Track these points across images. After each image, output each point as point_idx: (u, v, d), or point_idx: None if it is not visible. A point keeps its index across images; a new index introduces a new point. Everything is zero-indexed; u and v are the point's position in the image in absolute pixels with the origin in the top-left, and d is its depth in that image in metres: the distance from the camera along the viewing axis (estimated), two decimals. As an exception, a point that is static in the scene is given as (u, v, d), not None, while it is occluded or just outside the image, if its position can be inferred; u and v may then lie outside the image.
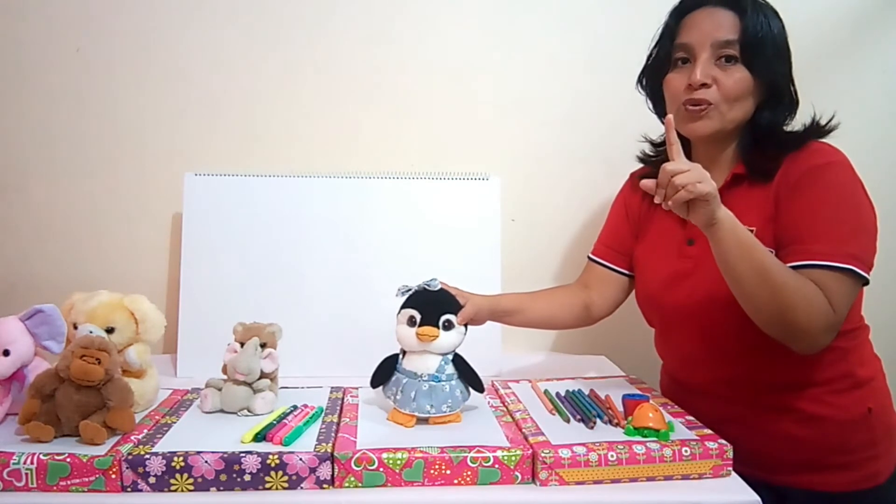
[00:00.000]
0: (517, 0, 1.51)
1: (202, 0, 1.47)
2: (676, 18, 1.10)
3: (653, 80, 1.15)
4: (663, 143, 1.21)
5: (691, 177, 0.89)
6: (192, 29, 1.48)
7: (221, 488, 0.88)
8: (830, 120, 1.06)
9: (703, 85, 1.03)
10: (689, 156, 1.14)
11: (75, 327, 1.06)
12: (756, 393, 1.08)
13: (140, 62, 1.48)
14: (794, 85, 1.08)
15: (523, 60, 1.52)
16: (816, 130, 1.06)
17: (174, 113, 1.50)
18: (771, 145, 1.06)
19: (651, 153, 1.24)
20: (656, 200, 0.93)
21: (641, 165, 1.27)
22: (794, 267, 0.97)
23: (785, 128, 1.08)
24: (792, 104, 1.08)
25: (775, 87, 1.05)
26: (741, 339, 1.05)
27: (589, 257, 1.31)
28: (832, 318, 0.95)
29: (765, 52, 1.03)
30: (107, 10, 1.47)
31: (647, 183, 0.95)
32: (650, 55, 1.15)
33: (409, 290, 1.07)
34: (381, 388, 1.07)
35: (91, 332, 1.02)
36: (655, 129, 1.22)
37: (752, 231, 1.01)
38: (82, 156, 1.50)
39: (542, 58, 1.52)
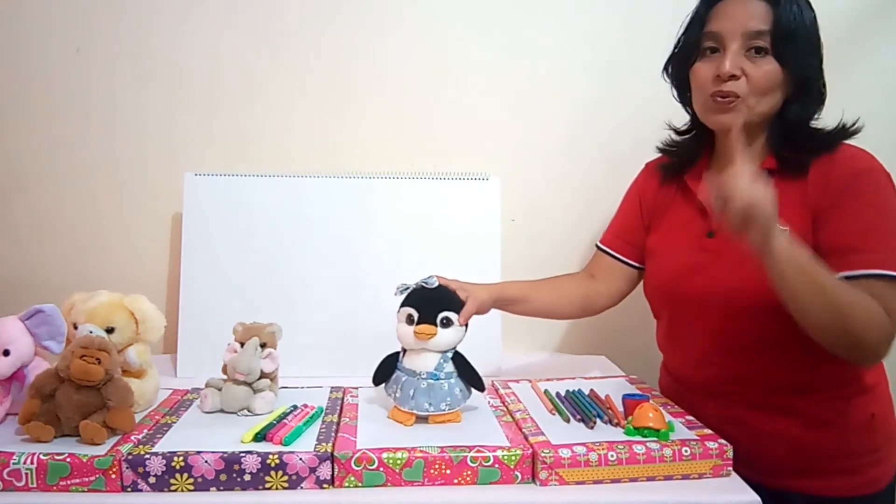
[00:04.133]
0: (517, 0, 1.51)
1: (202, 1, 1.47)
2: (707, 6, 1.07)
3: (679, 68, 1.12)
4: (687, 132, 1.19)
5: (752, 198, 0.85)
6: (191, 29, 1.48)
7: (221, 488, 0.88)
8: (856, 122, 1.04)
9: (732, 77, 1.01)
10: (715, 146, 1.14)
11: (75, 327, 1.06)
12: (762, 394, 1.07)
13: (140, 62, 1.48)
14: (823, 78, 1.05)
15: (524, 60, 1.52)
16: (843, 132, 1.04)
17: (174, 113, 1.50)
18: (801, 139, 1.04)
19: (671, 144, 1.21)
20: (715, 209, 0.89)
21: (658, 156, 1.24)
22: (849, 276, 0.95)
23: (814, 122, 1.06)
24: (820, 98, 1.05)
25: (805, 81, 1.03)
26: (755, 338, 1.04)
27: (597, 246, 1.29)
28: (891, 328, 0.95)
29: (796, 44, 1.00)
30: (107, 10, 1.47)
31: (707, 190, 0.91)
32: (678, 43, 1.12)
33: (407, 288, 1.07)
34: (382, 386, 1.07)
35: (91, 332, 1.02)
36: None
37: (784, 230, 1.00)
38: (82, 156, 1.50)
39: (542, 57, 1.52)
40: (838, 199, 0.99)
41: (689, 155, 1.17)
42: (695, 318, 1.11)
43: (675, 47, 1.13)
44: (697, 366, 1.13)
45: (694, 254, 1.11)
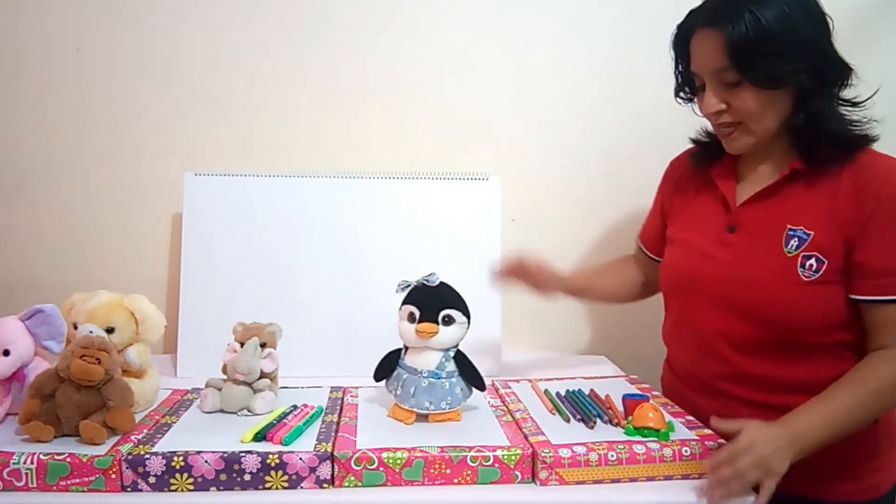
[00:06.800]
0: (518, 0, 1.51)
1: (202, 1, 1.47)
2: (683, 45, 1.07)
3: (687, 94, 1.14)
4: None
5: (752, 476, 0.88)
6: (191, 29, 1.48)
7: (221, 488, 0.88)
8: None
9: (720, 111, 1.03)
10: (739, 159, 1.13)
11: (75, 327, 1.06)
12: (763, 393, 1.06)
13: (140, 62, 1.48)
14: (826, 56, 1.00)
15: (524, 60, 1.52)
16: (865, 137, 1.03)
17: (174, 113, 1.50)
18: (819, 137, 1.01)
19: (703, 135, 1.20)
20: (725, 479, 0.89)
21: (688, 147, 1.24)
22: (885, 301, 0.97)
23: (838, 92, 1.02)
24: (829, 79, 1.01)
25: (794, 84, 0.99)
26: (760, 336, 1.04)
27: (636, 240, 1.35)
28: None
29: (757, 62, 0.97)
30: (107, 10, 1.47)
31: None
32: (675, 76, 1.13)
33: (409, 285, 1.07)
34: (383, 383, 1.07)
35: (91, 332, 1.02)
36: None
37: (809, 235, 1.00)
38: (82, 156, 1.50)
39: (543, 57, 1.52)
40: (881, 218, 0.98)
41: (719, 147, 1.14)
42: (704, 311, 1.10)
43: (676, 80, 1.14)
44: (700, 361, 1.12)
45: (711, 246, 1.11)
